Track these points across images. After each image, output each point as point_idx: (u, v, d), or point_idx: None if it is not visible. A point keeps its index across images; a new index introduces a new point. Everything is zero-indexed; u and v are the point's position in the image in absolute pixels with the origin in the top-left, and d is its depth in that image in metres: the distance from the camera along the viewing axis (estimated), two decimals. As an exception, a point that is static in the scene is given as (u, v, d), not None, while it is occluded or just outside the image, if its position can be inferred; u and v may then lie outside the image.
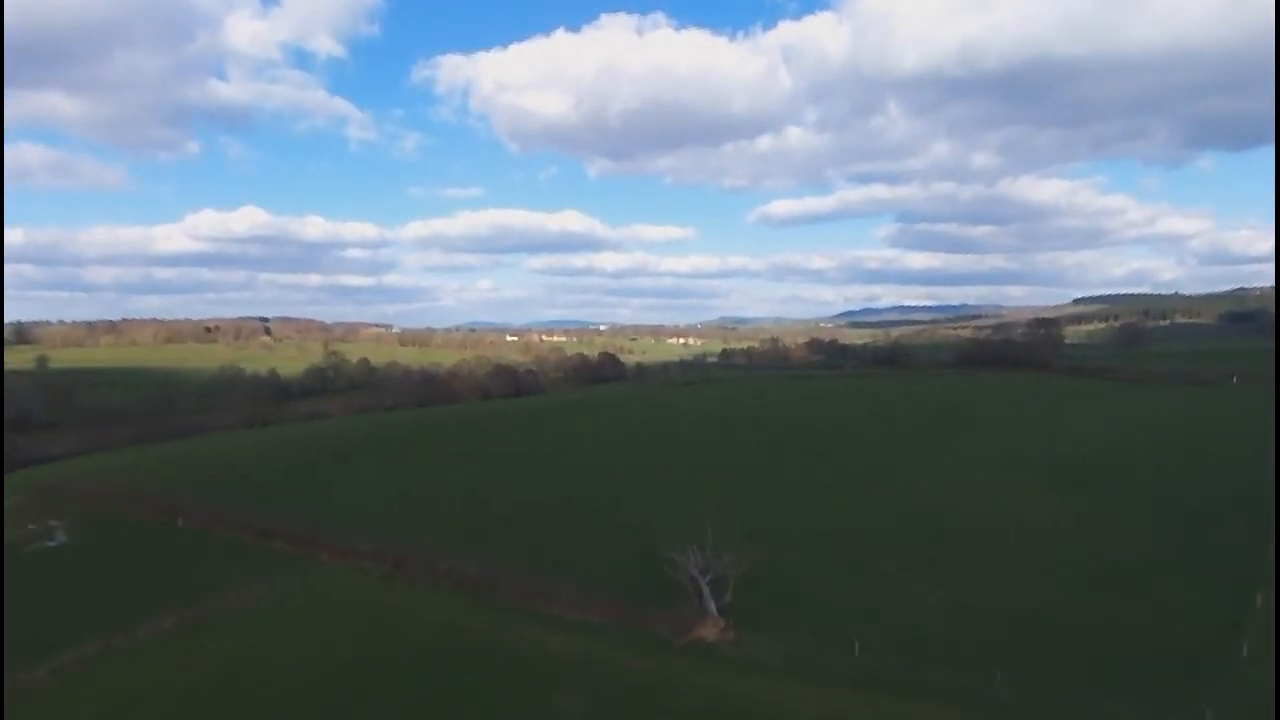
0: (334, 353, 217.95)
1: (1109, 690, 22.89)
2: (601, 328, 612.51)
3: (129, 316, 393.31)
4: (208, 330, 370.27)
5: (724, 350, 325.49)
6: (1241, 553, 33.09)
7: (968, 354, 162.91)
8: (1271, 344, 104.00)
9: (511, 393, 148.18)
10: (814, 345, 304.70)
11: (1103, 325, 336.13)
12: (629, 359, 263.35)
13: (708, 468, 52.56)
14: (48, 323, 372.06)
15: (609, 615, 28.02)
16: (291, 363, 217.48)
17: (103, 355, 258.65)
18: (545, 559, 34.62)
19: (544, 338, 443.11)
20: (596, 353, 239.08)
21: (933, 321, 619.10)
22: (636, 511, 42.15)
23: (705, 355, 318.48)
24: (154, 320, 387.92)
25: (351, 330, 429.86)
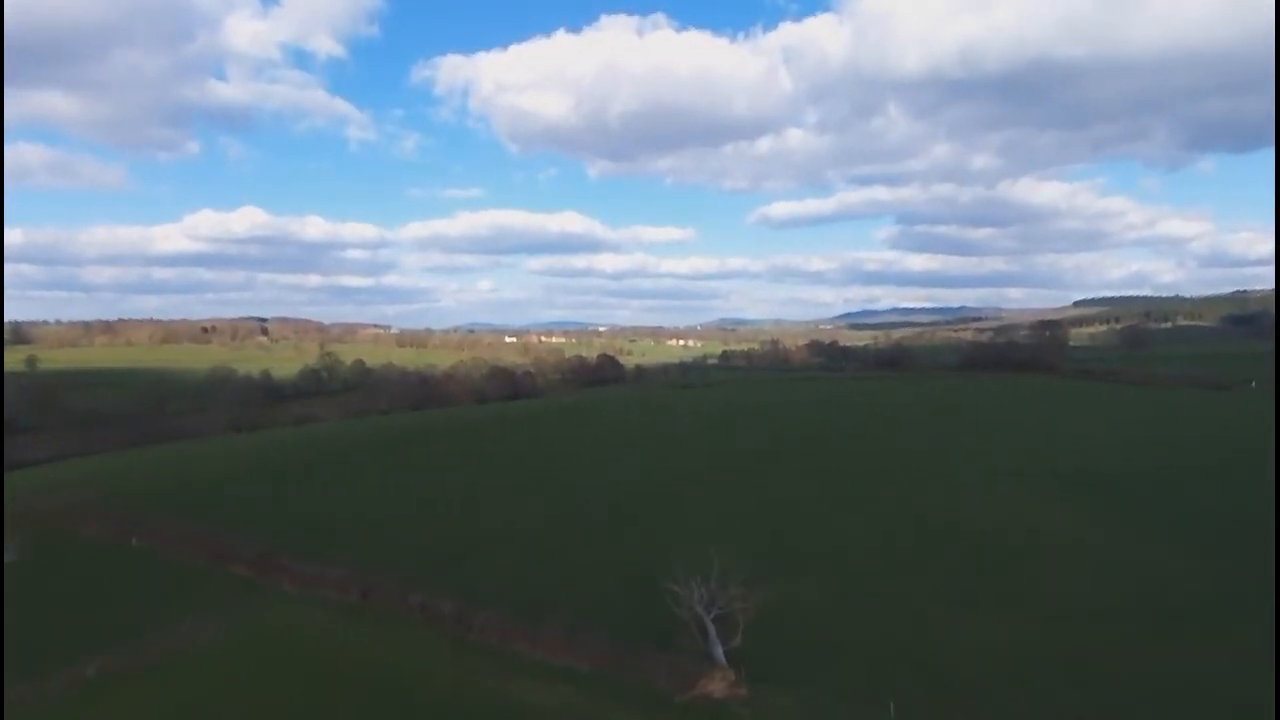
0: (329, 354, 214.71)
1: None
2: (601, 329, 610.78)
3: (127, 317, 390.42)
4: (204, 331, 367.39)
5: (724, 352, 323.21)
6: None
7: (972, 356, 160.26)
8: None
9: (508, 395, 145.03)
10: (814, 347, 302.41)
11: (1104, 328, 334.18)
12: (628, 361, 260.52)
13: (710, 480, 49.00)
14: (45, 323, 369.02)
15: (600, 660, 24.49)
16: (287, 364, 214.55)
17: (96, 356, 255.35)
18: (530, 587, 31.06)
19: (543, 339, 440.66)
20: (595, 354, 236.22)
21: (932, 323, 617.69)
22: (633, 530, 38.57)
23: (705, 357, 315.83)
24: (150, 320, 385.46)
25: (349, 331, 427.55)
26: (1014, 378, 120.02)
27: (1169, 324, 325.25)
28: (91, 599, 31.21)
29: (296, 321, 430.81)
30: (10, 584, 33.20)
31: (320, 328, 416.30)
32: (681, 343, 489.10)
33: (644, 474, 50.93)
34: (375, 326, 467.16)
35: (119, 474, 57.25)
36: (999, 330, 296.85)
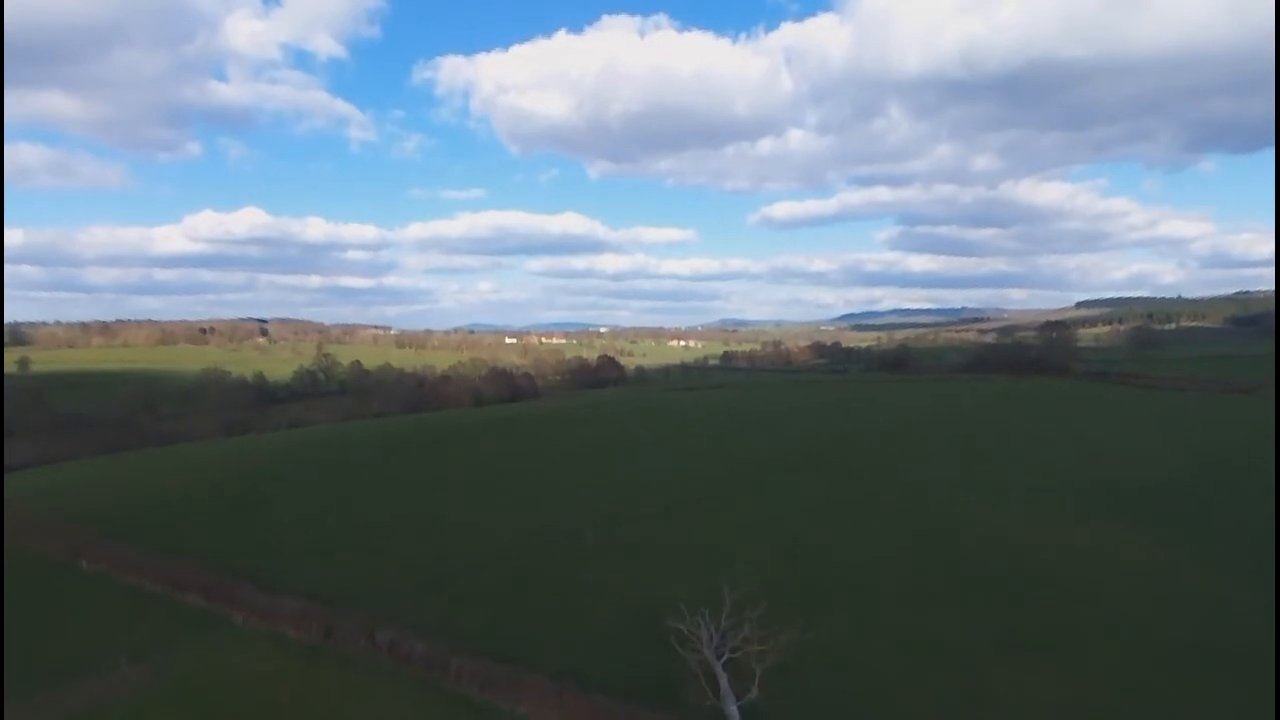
0: (326, 355, 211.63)
1: None
2: (602, 330, 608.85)
3: (128, 318, 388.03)
4: (202, 332, 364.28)
5: (725, 353, 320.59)
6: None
7: (979, 357, 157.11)
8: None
9: (506, 397, 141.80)
10: (817, 348, 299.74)
11: (1107, 329, 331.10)
12: (629, 362, 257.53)
13: (716, 495, 45.37)
14: (44, 324, 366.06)
15: (595, 717, 20.94)
16: (284, 365, 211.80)
17: (91, 357, 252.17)
18: (516, 622, 27.47)
19: (543, 340, 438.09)
20: (596, 355, 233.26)
21: (934, 324, 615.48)
22: (632, 552, 34.95)
23: (706, 358, 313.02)
24: (148, 321, 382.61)
25: (349, 332, 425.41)
26: (1025, 380, 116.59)
27: (1172, 325, 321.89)
28: (26, 633, 27.60)
29: (296, 323, 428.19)
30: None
31: (320, 329, 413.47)
32: (682, 344, 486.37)
33: (644, 487, 47.34)
34: (375, 328, 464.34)
35: (86, 483, 53.80)
36: (1002, 331, 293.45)
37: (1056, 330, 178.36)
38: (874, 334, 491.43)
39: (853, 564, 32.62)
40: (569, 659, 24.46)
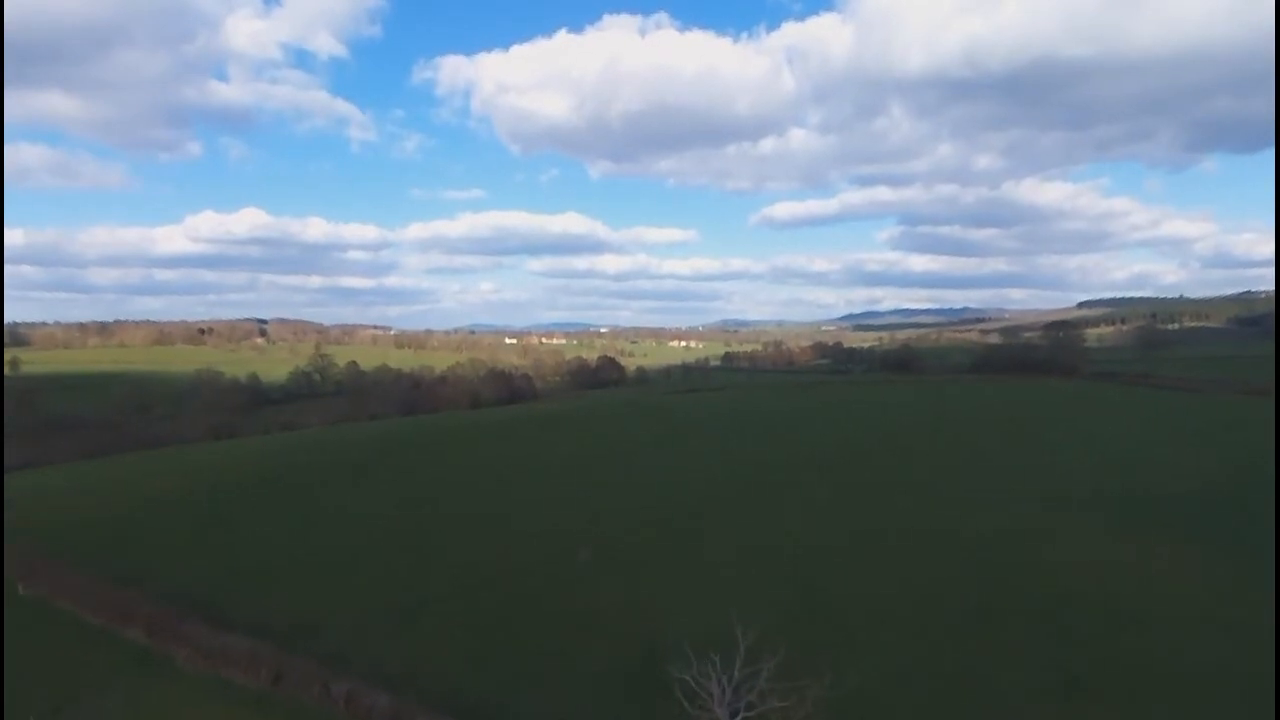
0: (323, 355, 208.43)
1: None
2: (602, 330, 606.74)
3: (128, 318, 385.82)
4: (200, 332, 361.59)
5: (726, 353, 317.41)
6: None
7: (984, 358, 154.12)
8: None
9: (505, 398, 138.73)
10: (819, 349, 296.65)
11: (1110, 329, 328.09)
12: (630, 362, 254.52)
13: (719, 511, 42.04)
14: (43, 324, 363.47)
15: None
16: (281, 365, 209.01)
17: (87, 358, 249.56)
18: (493, 670, 24.19)
19: (543, 340, 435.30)
20: (596, 356, 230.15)
21: (936, 325, 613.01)
22: (629, 580, 31.64)
23: (707, 358, 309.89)
24: (147, 322, 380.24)
25: (348, 332, 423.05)
26: (1034, 381, 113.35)
27: (1175, 325, 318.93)
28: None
29: (296, 323, 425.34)
30: None
31: (319, 329, 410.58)
32: (683, 344, 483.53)
33: (643, 498, 44.05)
34: (375, 328, 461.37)
35: (50, 494, 50.54)
36: (1005, 331, 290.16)
37: (1063, 330, 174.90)
38: (875, 334, 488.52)
39: (876, 592, 29.26)
40: (554, 708, 21.22)
